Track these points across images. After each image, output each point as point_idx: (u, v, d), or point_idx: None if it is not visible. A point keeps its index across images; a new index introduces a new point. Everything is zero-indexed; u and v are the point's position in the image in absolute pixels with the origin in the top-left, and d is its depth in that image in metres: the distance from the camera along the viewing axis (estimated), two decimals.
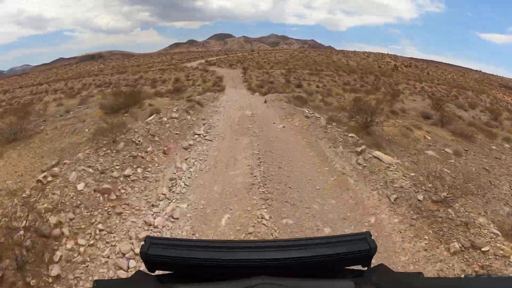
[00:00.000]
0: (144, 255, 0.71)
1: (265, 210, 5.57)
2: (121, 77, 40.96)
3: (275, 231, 5.08)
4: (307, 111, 11.54)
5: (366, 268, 0.75)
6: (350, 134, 8.72)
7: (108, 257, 4.57)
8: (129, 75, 41.68)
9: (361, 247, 0.72)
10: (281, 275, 0.63)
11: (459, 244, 4.66)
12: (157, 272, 0.75)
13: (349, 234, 0.76)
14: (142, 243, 0.72)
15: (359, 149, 7.76)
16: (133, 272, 0.78)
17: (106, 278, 3.84)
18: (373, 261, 0.75)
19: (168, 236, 4.65)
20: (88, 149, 7.20)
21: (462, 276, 0.95)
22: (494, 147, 12.21)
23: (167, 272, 0.75)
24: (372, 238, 0.74)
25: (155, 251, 0.71)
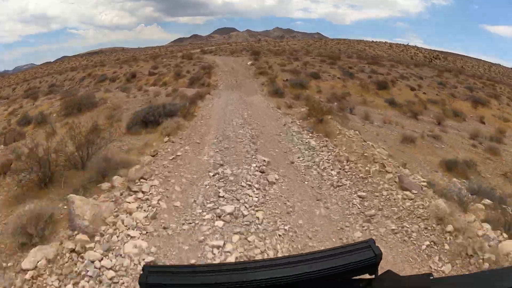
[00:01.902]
0: (144, 286, 0.67)
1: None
2: (69, 76, 30.02)
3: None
4: None
5: (373, 276, 0.71)
6: None
7: None
8: (79, 73, 29.89)
9: (366, 255, 0.68)
10: None
11: None
12: None
13: (353, 243, 0.73)
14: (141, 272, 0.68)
15: None
16: None
17: None
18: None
19: None
20: None
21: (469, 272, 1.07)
22: None
23: None
24: (376, 244, 0.71)
25: (155, 279, 0.67)
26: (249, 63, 20.26)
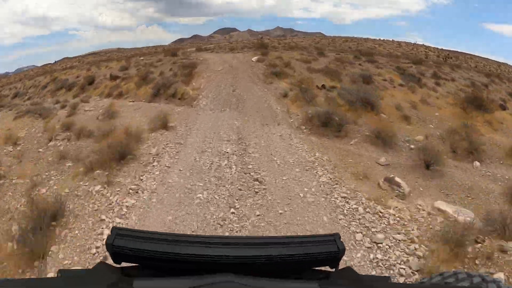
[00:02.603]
0: (110, 247, 0.64)
1: None
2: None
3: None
4: None
5: (333, 270, 0.71)
6: None
7: None
8: (46, 78, 26.13)
9: (329, 249, 0.67)
10: (248, 273, 0.60)
11: None
12: (123, 264, 0.68)
13: (319, 234, 0.83)
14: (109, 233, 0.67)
15: None
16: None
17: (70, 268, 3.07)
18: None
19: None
20: None
21: (425, 280, 0.88)
22: None
23: (132, 264, 0.68)
24: (341, 240, 0.69)
25: (121, 243, 0.64)
26: (254, 59, 13.47)
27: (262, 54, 14.37)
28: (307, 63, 12.49)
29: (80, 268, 3.04)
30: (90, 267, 1.01)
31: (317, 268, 0.70)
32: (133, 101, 9.00)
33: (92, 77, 15.83)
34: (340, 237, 0.69)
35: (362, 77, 9.47)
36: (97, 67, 21.29)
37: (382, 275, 0.87)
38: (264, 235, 1.29)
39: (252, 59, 13.20)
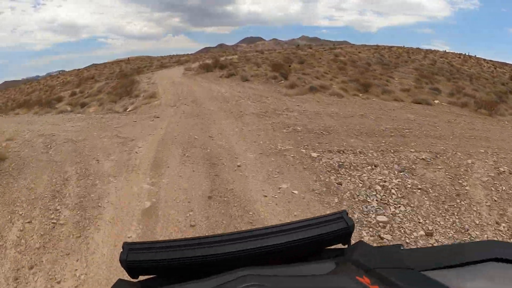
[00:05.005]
0: (125, 263, 0.63)
1: None
2: None
3: None
4: None
5: (346, 246, 0.72)
6: None
7: None
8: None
9: (339, 226, 0.69)
10: (264, 263, 0.61)
11: None
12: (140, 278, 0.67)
13: (326, 215, 0.72)
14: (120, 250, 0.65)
15: None
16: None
17: None
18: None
19: None
20: None
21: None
22: None
23: (151, 276, 0.68)
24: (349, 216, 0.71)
25: (135, 257, 0.64)
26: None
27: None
28: None
29: None
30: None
31: (330, 248, 0.71)
32: None
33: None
34: (347, 213, 0.71)
35: None
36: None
37: (394, 244, 0.72)
38: (273, 225, 0.67)
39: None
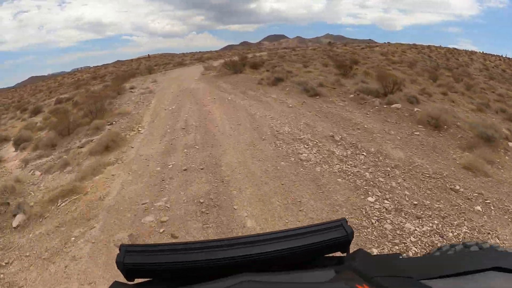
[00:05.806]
0: (121, 265, 0.63)
1: None
2: None
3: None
4: None
5: (345, 254, 0.72)
6: None
7: None
8: None
9: (338, 234, 0.68)
10: (263, 270, 0.60)
11: None
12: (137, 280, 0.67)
13: (325, 222, 0.72)
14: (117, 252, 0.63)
15: None
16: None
17: None
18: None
19: None
20: None
21: (437, 252, 0.93)
22: None
23: (147, 279, 0.68)
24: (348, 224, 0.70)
25: (132, 259, 0.63)
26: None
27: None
28: None
29: None
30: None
31: (329, 256, 0.70)
32: None
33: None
34: (346, 221, 0.70)
35: None
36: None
37: (393, 253, 0.71)
38: (273, 231, 0.66)
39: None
